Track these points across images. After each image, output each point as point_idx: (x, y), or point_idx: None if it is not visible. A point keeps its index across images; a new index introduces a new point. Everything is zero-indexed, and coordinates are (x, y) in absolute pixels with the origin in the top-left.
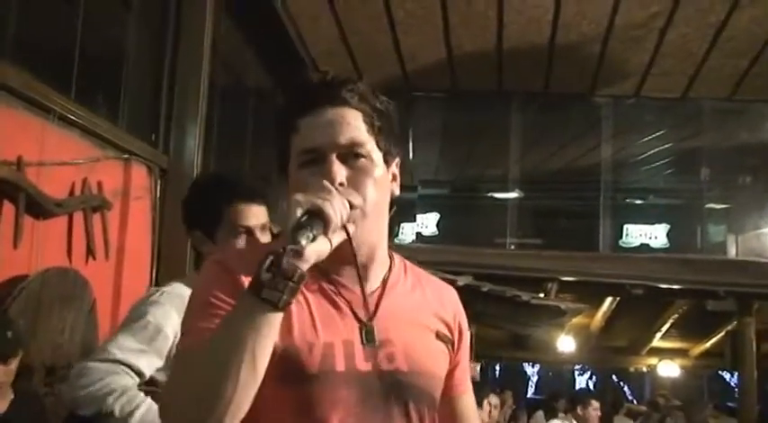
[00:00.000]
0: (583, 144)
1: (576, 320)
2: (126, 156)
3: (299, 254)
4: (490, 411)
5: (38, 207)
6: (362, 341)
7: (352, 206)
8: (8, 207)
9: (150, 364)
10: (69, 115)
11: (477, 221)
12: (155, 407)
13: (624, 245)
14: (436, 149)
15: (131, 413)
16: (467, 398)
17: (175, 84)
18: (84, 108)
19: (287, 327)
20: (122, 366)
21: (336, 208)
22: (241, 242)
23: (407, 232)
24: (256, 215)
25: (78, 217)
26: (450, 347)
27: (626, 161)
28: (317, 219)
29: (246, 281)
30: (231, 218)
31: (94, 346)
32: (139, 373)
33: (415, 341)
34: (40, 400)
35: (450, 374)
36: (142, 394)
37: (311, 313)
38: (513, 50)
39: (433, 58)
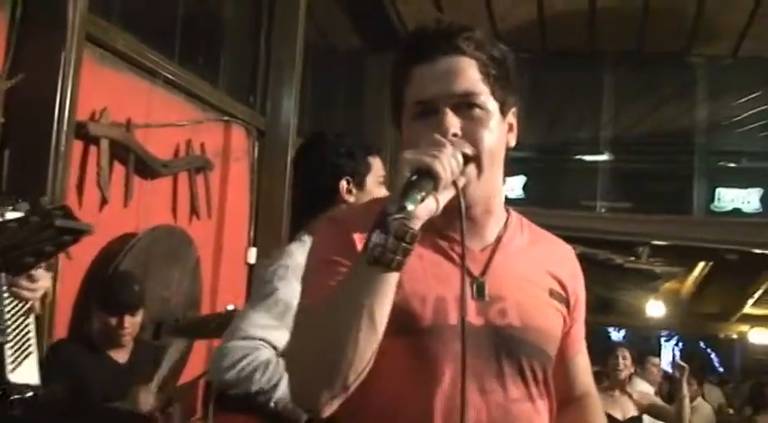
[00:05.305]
0: (676, 106)
1: (666, 285)
2: (226, 118)
3: (408, 215)
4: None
5: (146, 167)
6: (473, 296)
7: (465, 158)
8: (119, 168)
9: (283, 338)
10: (174, 79)
11: (566, 184)
12: None
13: (716, 209)
14: (522, 111)
15: (277, 384)
16: (581, 358)
17: (272, 47)
18: (188, 72)
19: (399, 281)
20: (261, 342)
21: (446, 164)
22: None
23: None
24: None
25: (183, 177)
26: (564, 306)
27: (719, 123)
28: (427, 177)
29: (360, 238)
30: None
31: (198, 302)
32: (275, 348)
33: (528, 298)
34: (155, 351)
35: (566, 334)
36: (282, 365)
37: (424, 268)
38: (607, 9)
39: (523, 17)
